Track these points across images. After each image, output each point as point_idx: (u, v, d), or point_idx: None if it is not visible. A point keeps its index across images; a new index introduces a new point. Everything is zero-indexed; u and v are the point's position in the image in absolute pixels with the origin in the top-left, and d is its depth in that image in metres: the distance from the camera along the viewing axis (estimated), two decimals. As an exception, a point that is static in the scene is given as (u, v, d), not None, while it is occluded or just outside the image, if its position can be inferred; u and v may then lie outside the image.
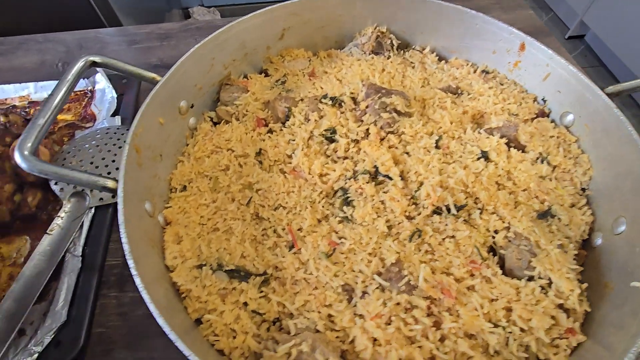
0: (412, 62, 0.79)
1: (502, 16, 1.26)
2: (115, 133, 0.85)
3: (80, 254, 0.69)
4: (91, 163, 0.79)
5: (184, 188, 0.63)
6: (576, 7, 2.47)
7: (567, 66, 0.62)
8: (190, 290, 0.50)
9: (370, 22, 0.80)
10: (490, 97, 0.70)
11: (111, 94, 0.93)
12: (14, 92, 0.98)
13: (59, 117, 0.94)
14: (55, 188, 0.76)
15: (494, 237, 0.54)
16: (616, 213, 0.54)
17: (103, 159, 0.79)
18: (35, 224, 0.76)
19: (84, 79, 0.99)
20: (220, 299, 0.49)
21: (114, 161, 0.78)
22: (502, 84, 0.73)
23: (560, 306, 0.48)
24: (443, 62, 0.79)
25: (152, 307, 0.41)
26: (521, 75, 0.72)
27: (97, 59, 0.57)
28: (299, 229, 0.56)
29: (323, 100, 0.69)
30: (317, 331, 0.46)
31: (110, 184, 0.47)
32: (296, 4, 0.72)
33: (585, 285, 0.50)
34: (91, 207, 0.75)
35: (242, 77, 0.77)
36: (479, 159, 0.60)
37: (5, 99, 0.98)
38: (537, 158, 0.62)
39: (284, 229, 0.56)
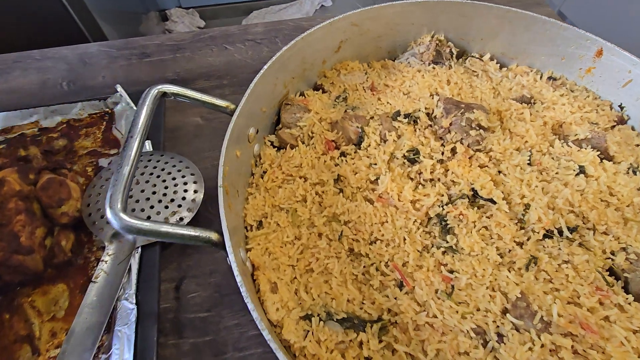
0: (474, 71, 0.75)
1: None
2: (149, 161, 0.77)
3: (135, 301, 0.61)
4: (130, 197, 0.71)
5: (260, 224, 0.57)
6: (554, -1, 2.56)
7: (655, 73, 0.60)
8: (304, 348, 0.44)
9: (426, 30, 0.76)
10: (565, 105, 0.67)
11: (135, 115, 0.84)
12: (22, 119, 0.88)
13: (77, 144, 0.85)
14: (94, 229, 0.68)
15: (612, 260, 0.51)
16: None
17: (142, 191, 0.72)
18: (69, 269, 0.67)
19: (100, 100, 0.89)
20: (341, 354, 0.44)
21: (154, 193, 0.71)
22: (572, 91, 0.71)
23: (702, 331, 0.45)
24: (505, 69, 0.76)
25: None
26: (594, 82, 0.69)
27: (168, 89, 0.50)
28: (403, 265, 0.51)
29: (398, 118, 0.64)
30: (463, 385, 0.41)
31: (214, 237, 0.41)
32: (358, 14, 0.67)
33: None
34: (138, 247, 0.67)
35: (299, 94, 0.71)
36: (577, 174, 0.57)
37: (12, 127, 0.87)
38: (629, 168, 0.60)
39: (387, 266, 0.51)
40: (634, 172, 0.60)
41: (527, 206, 0.54)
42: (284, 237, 0.55)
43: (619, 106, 0.68)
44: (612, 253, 0.51)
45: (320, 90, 0.72)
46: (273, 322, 0.46)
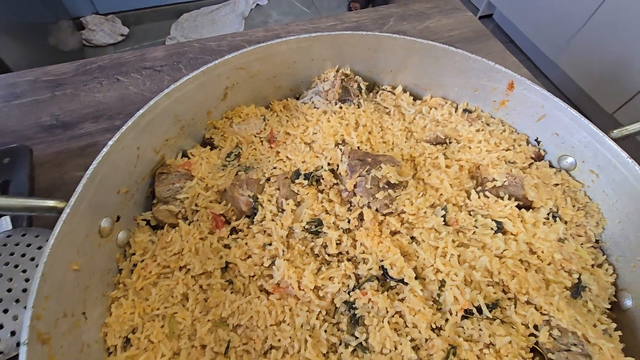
0: (386, 107, 0.67)
1: (443, 21, 1.21)
2: (5, 245, 0.61)
3: None
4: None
5: (127, 342, 0.45)
6: (482, -12, 2.61)
7: (566, 109, 0.55)
8: None
9: (330, 65, 0.67)
10: (481, 143, 0.61)
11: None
12: None
13: None
14: None
15: (535, 336, 0.45)
16: (646, 274, 0.49)
17: (-7, 291, 0.56)
18: None
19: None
20: None
21: (9, 291, 0.56)
22: (488, 124, 0.65)
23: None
24: (419, 102, 0.69)
25: None
26: (509, 114, 0.64)
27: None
28: (304, 380, 0.42)
29: (296, 180, 0.54)
30: None
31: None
32: (241, 56, 0.56)
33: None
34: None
35: (181, 156, 0.58)
36: (495, 232, 0.51)
37: None
38: (548, 214, 0.55)
39: (284, 385, 0.42)
40: (554, 218, 0.55)
41: (442, 283, 0.46)
42: (158, 359, 0.43)
43: (536, 140, 0.63)
44: (536, 327, 0.46)
45: (209, 147, 0.61)
46: None
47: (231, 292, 0.48)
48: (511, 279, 0.47)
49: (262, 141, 0.61)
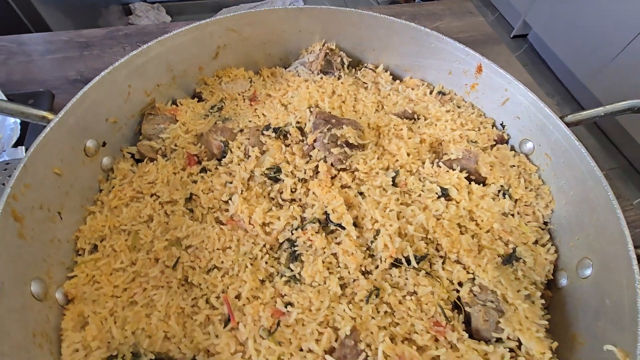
0: (364, 83, 0.71)
1: (454, 23, 1.23)
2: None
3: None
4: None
5: (95, 248, 0.51)
6: (519, 8, 2.57)
7: (526, 92, 0.58)
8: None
9: (318, 38, 0.72)
10: (447, 122, 0.64)
11: (12, 118, 0.77)
12: None
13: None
14: None
15: (458, 291, 0.48)
16: (580, 253, 0.51)
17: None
18: None
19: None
20: (135, 403, 0.39)
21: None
22: (459, 107, 0.68)
23: (532, 371, 0.43)
24: (398, 82, 0.73)
25: None
26: (479, 98, 0.67)
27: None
28: (236, 297, 0.47)
29: (265, 132, 0.59)
30: None
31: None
32: (232, 18, 0.62)
33: (555, 344, 0.45)
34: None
35: (171, 103, 0.65)
36: (439, 197, 0.54)
37: None
38: (499, 191, 0.58)
39: (218, 298, 0.47)
40: (504, 195, 0.57)
41: (377, 232, 0.50)
42: (117, 263, 0.49)
43: (501, 124, 0.65)
44: (460, 284, 0.49)
45: (197, 99, 0.67)
46: (66, 365, 0.41)
47: (190, 219, 0.54)
48: (444, 237, 0.51)
49: (244, 99, 0.67)
